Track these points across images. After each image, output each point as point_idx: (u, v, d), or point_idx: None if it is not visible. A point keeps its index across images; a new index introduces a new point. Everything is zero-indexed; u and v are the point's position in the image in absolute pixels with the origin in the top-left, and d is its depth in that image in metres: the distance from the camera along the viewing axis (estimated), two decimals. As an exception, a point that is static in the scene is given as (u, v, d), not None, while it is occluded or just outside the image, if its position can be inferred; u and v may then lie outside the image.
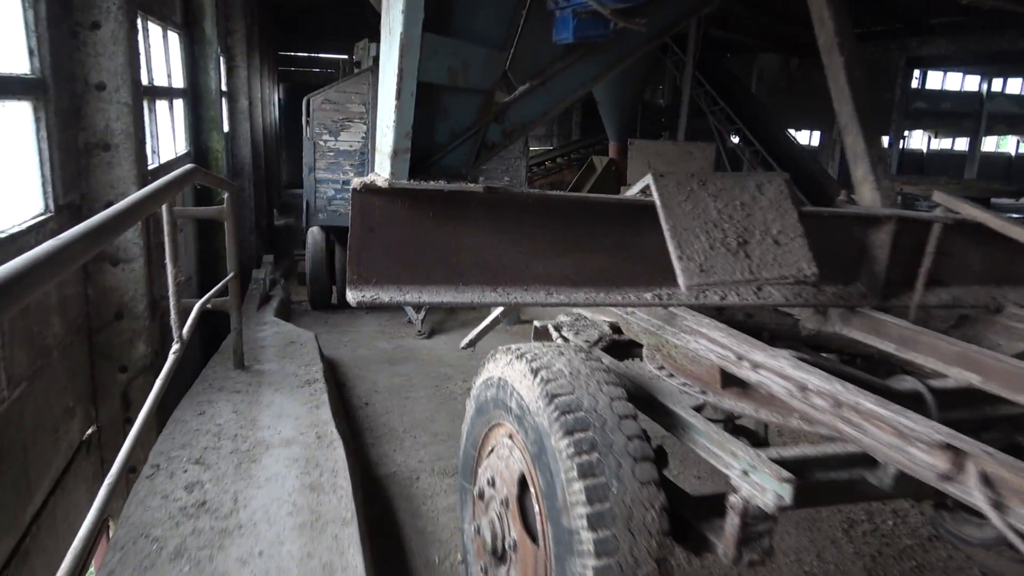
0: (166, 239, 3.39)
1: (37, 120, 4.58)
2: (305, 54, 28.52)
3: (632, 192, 2.59)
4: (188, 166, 4.08)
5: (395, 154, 2.06)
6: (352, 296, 2.27)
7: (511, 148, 10.80)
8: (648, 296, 2.52)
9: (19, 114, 4.48)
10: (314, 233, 10.99)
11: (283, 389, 5.17)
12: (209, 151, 10.28)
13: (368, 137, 10.34)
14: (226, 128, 14.06)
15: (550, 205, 2.44)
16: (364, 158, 10.41)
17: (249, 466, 3.78)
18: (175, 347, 3.12)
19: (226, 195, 5.57)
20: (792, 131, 20.60)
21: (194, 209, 6.37)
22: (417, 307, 9.93)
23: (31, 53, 4.50)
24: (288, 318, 10.26)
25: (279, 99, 27.31)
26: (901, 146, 26.92)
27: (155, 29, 8.19)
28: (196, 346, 8.50)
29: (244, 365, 5.89)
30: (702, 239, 2.38)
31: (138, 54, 5.55)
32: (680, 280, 2.31)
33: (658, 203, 2.40)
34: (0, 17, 4.33)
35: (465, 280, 2.38)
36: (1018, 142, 35.10)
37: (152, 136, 7.82)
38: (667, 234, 2.35)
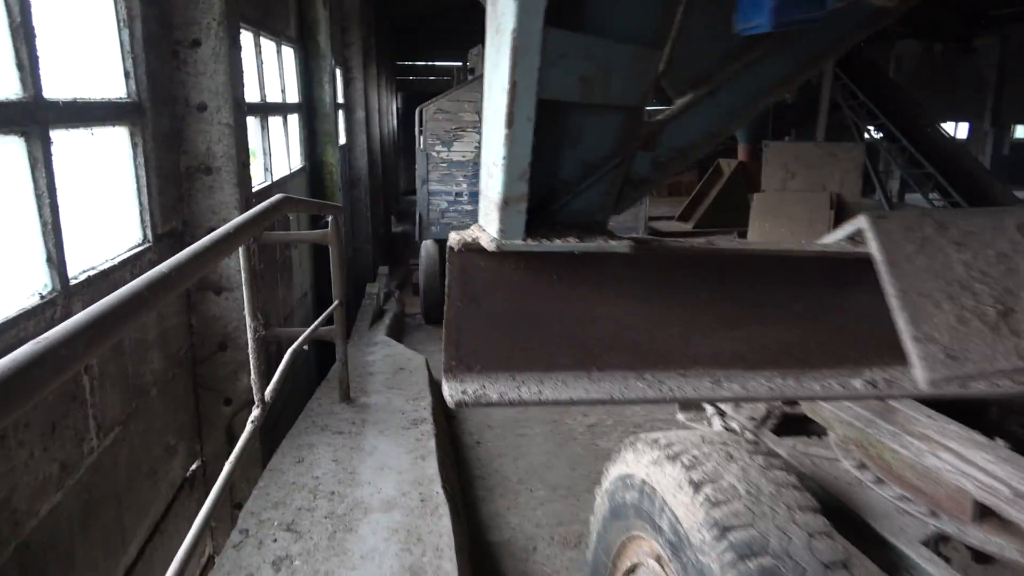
0: (243, 278, 2.93)
1: (134, 145, 4.29)
2: (422, 63, 28.67)
3: (835, 238, 1.87)
4: (277, 196, 3.64)
5: (505, 204, 1.44)
6: (450, 392, 1.68)
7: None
8: (858, 385, 1.78)
9: (116, 139, 4.21)
10: (427, 246, 10.63)
11: (388, 431, 4.69)
12: (324, 165, 10.11)
13: (483, 147, 9.86)
14: (343, 140, 14.03)
15: (719, 261, 1.76)
16: (477, 168, 9.93)
17: (344, 536, 3.28)
18: (254, 413, 2.64)
19: (330, 218, 5.16)
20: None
21: (294, 234, 6.05)
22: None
23: (127, 75, 4.21)
24: (401, 334, 9.94)
25: (397, 108, 27.57)
26: (1065, 136, 24.04)
27: (268, 44, 8.01)
28: (309, 367, 8.27)
29: (350, 398, 5.48)
30: (945, 308, 1.63)
31: (241, 72, 5.23)
32: (918, 371, 1.58)
33: (878, 256, 1.67)
34: (94, 38, 4.06)
35: (600, 363, 1.74)
36: None
37: (265, 153, 7.62)
38: (894, 302, 1.62)
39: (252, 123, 7.26)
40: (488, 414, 6.32)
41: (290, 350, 3.64)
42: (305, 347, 3.99)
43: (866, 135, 15.47)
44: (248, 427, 2.56)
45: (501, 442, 5.79)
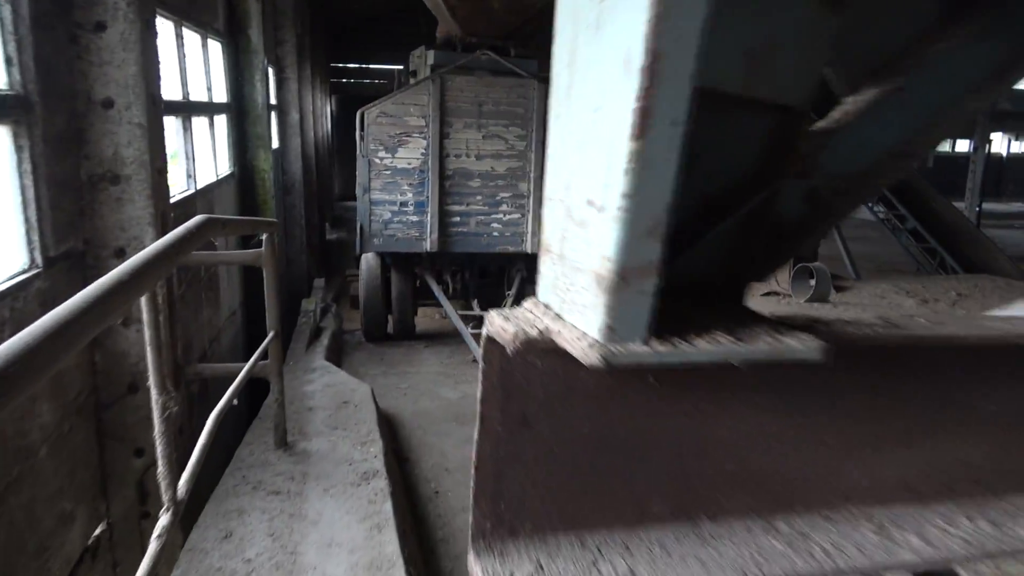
0: (147, 335, 2.20)
1: (18, 149, 3.45)
2: (357, 65, 27.67)
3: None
4: (200, 218, 2.91)
5: (621, 280, 0.77)
6: (480, 574, 1.00)
7: None
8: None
9: (-5, 142, 3.37)
10: (368, 259, 9.85)
11: (335, 488, 3.95)
12: (256, 171, 9.23)
13: (429, 153, 9.15)
14: (276, 143, 13.10)
15: (891, 349, 1.14)
16: (424, 176, 9.23)
17: (286, 651, 2.56)
18: (162, 522, 1.90)
19: (264, 236, 4.40)
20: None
21: (222, 254, 5.23)
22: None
23: (8, 63, 3.38)
24: (340, 356, 9.14)
25: (331, 111, 26.51)
26: (987, 151, 24.75)
27: (192, 36, 7.14)
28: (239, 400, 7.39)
29: (287, 443, 4.71)
30: None
31: (156, 63, 4.41)
32: None
33: None
34: (-36, 15, 3.22)
35: (712, 509, 1.11)
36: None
37: (188, 158, 6.75)
38: None
39: (172, 124, 6.39)
40: (444, 452, 5.63)
41: (213, 416, 2.87)
42: (235, 402, 3.24)
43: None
44: (153, 544, 1.82)
45: (463, 489, 5.11)
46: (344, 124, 25.49)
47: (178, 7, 6.40)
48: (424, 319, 10.96)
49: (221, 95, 8.49)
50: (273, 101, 13.16)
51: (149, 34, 4.26)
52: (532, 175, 9.37)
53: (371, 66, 27.67)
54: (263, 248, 4.44)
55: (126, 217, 4.14)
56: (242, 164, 9.12)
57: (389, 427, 6.16)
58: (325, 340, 8.74)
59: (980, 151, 23.48)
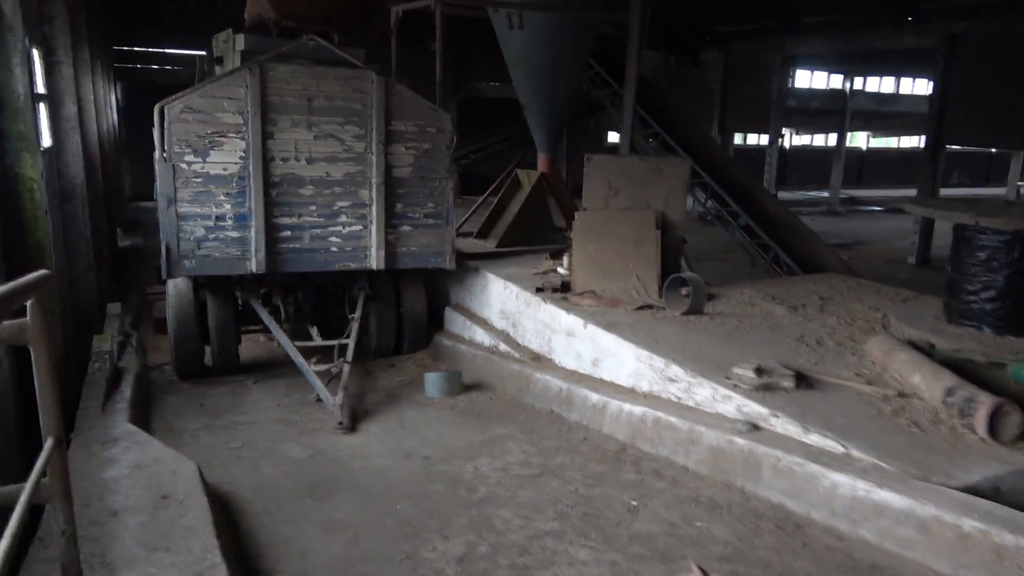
0: None
1: None
2: (144, 48, 24.37)
3: None
4: None
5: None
6: None
7: (437, 142, 8.31)
8: None
9: None
10: (178, 285, 8.08)
11: None
12: (20, 179, 7.18)
13: (249, 157, 7.57)
14: (48, 142, 10.68)
15: None
16: (244, 184, 7.64)
17: None
18: None
19: (30, 303, 2.91)
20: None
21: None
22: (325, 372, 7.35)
23: None
24: (148, 406, 7.38)
25: (117, 100, 23.14)
26: (780, 144, 26.49)
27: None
28: None
29: (84, 590, 3.23)
30: None
31: None
32: None
33: None
34: None
35: None
36: (868, 138, 36.24)
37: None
38: None
39: None
40: (303, 551, 4.32)
41: None
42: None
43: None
44: None
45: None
46: (134, 115, 22.27)
47: None
48: (249, 343, 9.32)
49: (-37, 83, 6.43)
50: (41, 90, 10.73)
51: None
52: (374, 181, 8.08)
53: (162, 51, 24.51)
54: (28, 318, 2.95)
55: None
56: (1, 172, 7.04)
57: (225, 515, 4.73)
58: (127, 390, 6.95)
59: (774, 145, 25.02)
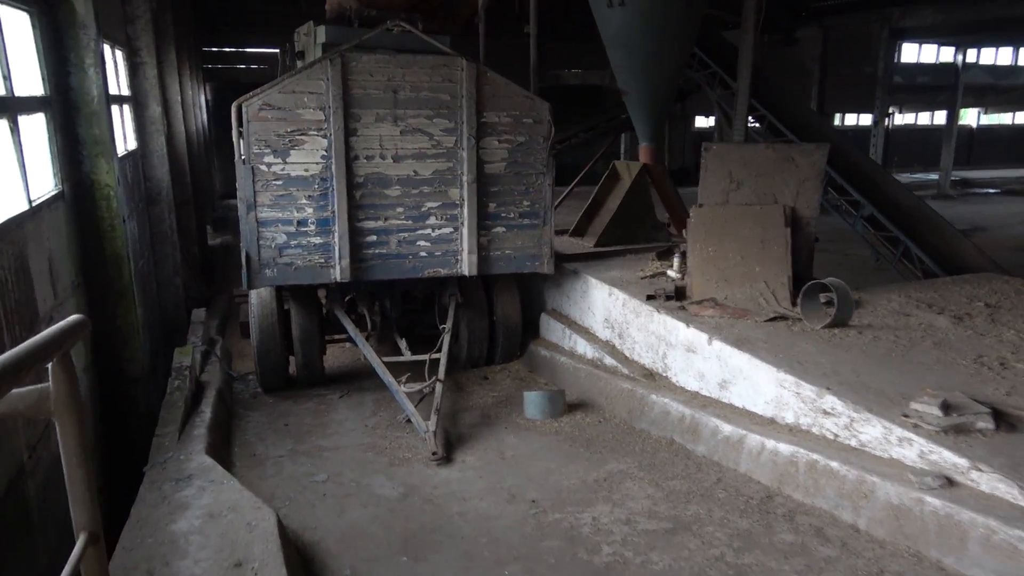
0: None
1: None
2: (232, 49, 24.39)
3: None
4: None
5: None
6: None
7: (534, 134, 7.43)
8: None
9: None
10: (261, 294, 7.48)
11: None
12: (95, 186, 6.68)
13: (332, 156, 6.86)
14: (133, 144, 10.35)
15: None
16: (327, 186, 6.94)
17: None
18: None
19: (51, 365, 2.19)
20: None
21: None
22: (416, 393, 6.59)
23: None
24: (230, 427, 6.80)
25: (206, 100, 23.24)
26: (886, 124, 24.44)
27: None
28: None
29: None
30: None
31: None
32: None
33: None
34: None
35: None
36: (978, 114, 33.32)
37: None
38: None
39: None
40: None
41: None
42: None
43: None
44: None
45: None
46: (222, 114, 22.22)
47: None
48: (335, 349, 8.71)
49: (34, 86, 5.92)
50: (125, 92, 10.41)
51: None
52: (466, 178, 7.25)
53: (247, 50, 24.48)
54: (51, 383, 2.23)
55: None
56: (76, 179, 6.56)
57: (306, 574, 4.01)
58: (207, 411, 6.38)
59: (879, 125, 23.06)
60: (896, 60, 26.08)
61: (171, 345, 10.61)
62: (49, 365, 2.20)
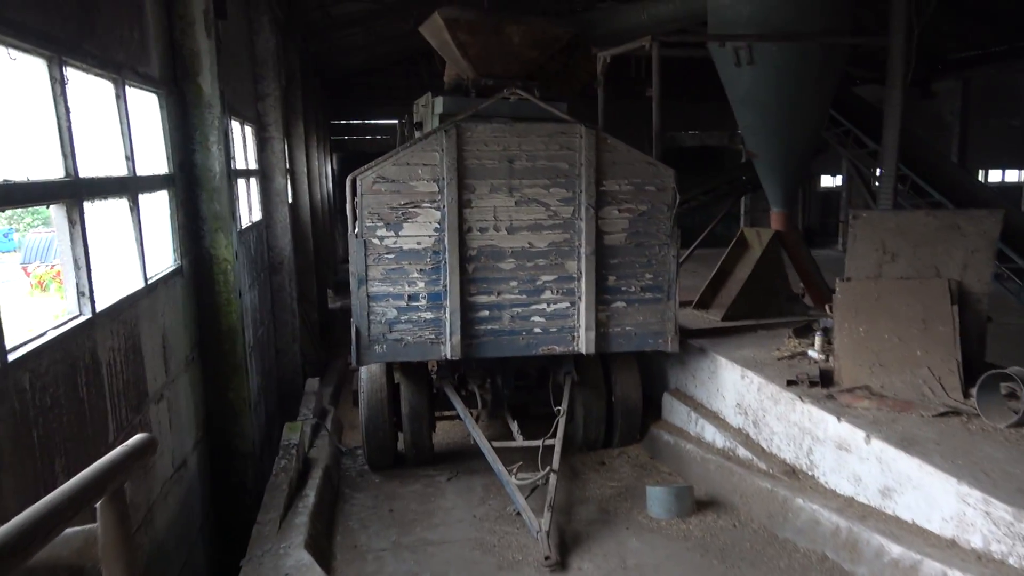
0: None
1: None
2: (357, 121, 25.45)
3: None
4: None
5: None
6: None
7: (657, 202, 6.90)
8: None
9: None
10: (371, 370, 7.22)
11: None
12: (214, 260, 6.67)
13: (444, 228, 6.58)
14: (258, 216, 10.61)
15: None
16: (439, 259, 6.64)
17: None
18: None
19: (100, 504, 1.81)
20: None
21: None
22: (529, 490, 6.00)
23: None
24: (335, 509, 6.46)
25: (332, 169, 24.24)
26: (1039, 181, 22.25)
27: (93, 83, 4.66)
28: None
29: None
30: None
31: None
32: None
33: None
34: None
35: None
36: None
37: (78, 266, 4.20)
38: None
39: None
40: None
41: None
42: None
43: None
44: None
45: None
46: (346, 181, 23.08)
47: (45, 32, 3.90)
48: (445, 425, 8.27)
49: (159, 164, 5.99)
50: (254, 166, 10.74)
51: None
52: (583, 250, 6.77)
53: (371, 122, 25.47)
54: (99, 526, 1.86)
55: None
56: (196, 254, 6.58)
57: None
58: (311, 495, 6.06)
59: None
60: (1048, 112, 23.83)
61: (287, 411, 10.61)
62: (99, 505, 1.84)
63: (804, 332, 7.47)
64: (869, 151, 13.17)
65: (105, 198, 4.75)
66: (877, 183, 11.87)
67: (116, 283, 4.81)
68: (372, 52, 21.26)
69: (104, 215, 4.76)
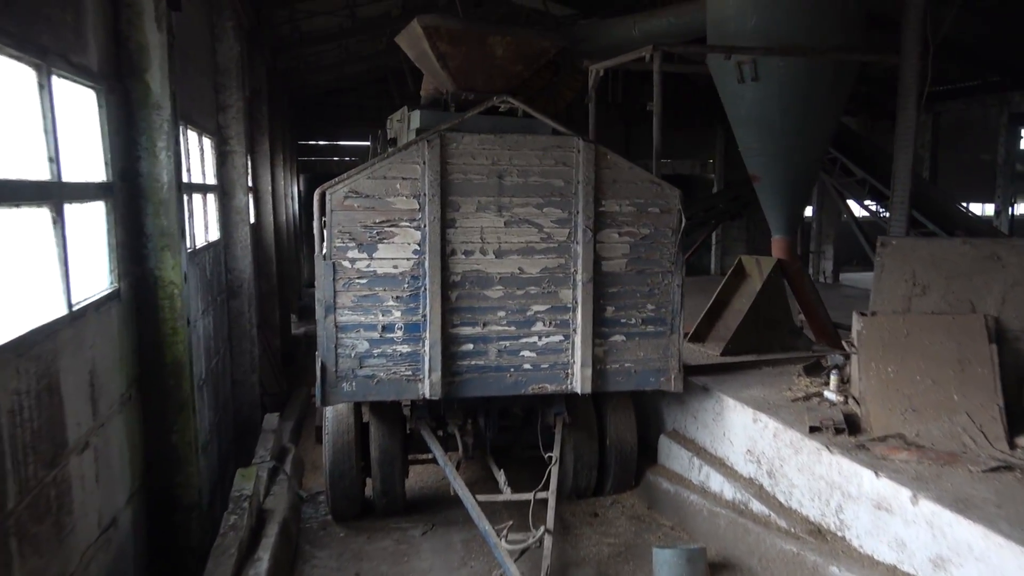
0: None
1: None
2: (325, 142, 24.58)
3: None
4: None
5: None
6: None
7: (661, 225, 6.23)
8: None
9: None
10: (339, 410, 6.35)
11: None
12: (159, 284, 5.77)
13: (425, 251, 5.79)
14: (216, 235, 9.69)
15: None
16: (418, 285, 5.84)
17: None
18: None
19: None
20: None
21: None
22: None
23: None
24: (292, 569, 5.54)
25: (298, 190, 23.29)
26: (1011, 213, 22.28)
27: (9, 67, 3.81)
28: None
29: None
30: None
31: None
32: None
33: None
34: None
35: None
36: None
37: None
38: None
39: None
40: None
41: None
42: None
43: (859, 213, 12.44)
44: None
45: None
46: (312, 203, 22.17)
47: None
48: (416, 469, 7.38)
49: (94, 171, 5.11)
50: (213, 181, 9.85)
51: None
52: (580, 278, 6.03)
53: (340, 143, 24.63)
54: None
55: None
56: (137, 275, 5.67)
57: None
58: (264, 558, 5.15)
59: (1003, 215, 21.05)
60: (1020, 147, 24.02)
61: (244, 448, 9.58)
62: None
63: (815, 370, 6.81)
64: (857, 179, 12.75)
65: (17, 205, 3.87)
66: (882, 211, 11.41)
67: (27, 310, 3.91)
68: (342, 71, 20.54)
69: (15, 227, 3.88)
